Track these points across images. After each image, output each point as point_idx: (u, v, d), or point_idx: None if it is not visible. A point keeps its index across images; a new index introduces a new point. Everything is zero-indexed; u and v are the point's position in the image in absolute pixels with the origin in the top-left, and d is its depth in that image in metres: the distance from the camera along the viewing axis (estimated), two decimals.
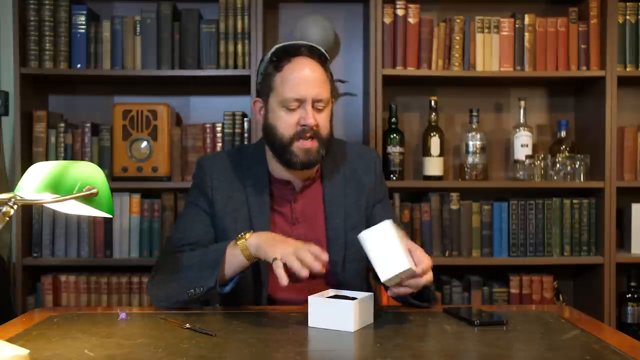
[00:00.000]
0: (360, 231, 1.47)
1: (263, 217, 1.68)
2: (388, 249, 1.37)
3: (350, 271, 1.70)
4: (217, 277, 1.51)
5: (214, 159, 1.76)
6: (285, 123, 1.62)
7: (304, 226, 1.71)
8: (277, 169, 1.70)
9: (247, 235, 1.52)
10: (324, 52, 1.68)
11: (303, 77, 1.61)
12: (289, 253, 1.42)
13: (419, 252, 1.43)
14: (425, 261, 1.42)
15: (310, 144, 1.62)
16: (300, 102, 1.61)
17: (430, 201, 2.63)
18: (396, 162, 2.64)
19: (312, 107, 1.61)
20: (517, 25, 2.63)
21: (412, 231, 2.62)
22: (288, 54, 1.64)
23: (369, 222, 1.74)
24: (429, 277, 1.42)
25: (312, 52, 1.65)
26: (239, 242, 1.52)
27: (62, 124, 2.57)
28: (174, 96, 2.75)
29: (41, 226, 2.55)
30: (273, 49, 1.67)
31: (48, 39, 2.52)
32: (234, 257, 1.53)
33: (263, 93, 1.68)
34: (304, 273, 1.40)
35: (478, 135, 2.67)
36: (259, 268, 1.65)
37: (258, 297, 1.67)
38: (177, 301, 1.55)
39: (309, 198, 1.72)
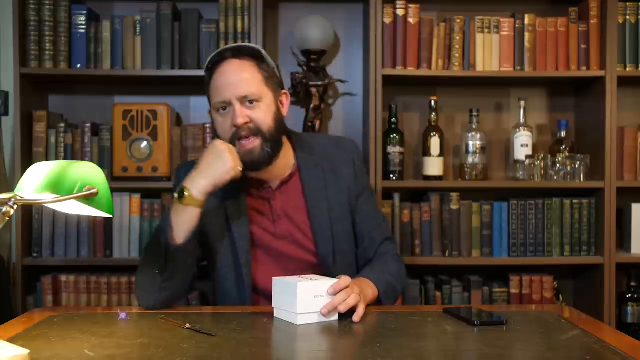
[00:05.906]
0: (346, 223, 1.61)
1: (241, 218, 1.68)
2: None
3: (341, 263, 1.70)
4: (168, 235, 1.52)
5: (188, 167, 1.72)
6: (222, 128, 1.65)
7: (287, 222, 1.71)
8: None
9: (185, 193, 1.52)
10: (258, 49, 1.68)
11: (225, 80, 1.62)
12: None
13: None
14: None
15: (251, 144, 1.61)
16: (228, 104, 1.62)
17: (430, 201, 2.63)
18: (396, 162, 2.64)
19: (243, 105, 1.61)
20: (517, 25, 2.63)
21: (412, 231, 2.62)
22: (216, 61, 1.65)
23: (355, 216, 1.76)
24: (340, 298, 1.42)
25: (239, 53, 1.65)
26: (184, 203, 1.52)
27: (62, 124, 2.57)
28: (174, 96, 2.75)
29: (41, 226, 2.54)
30: (208, 58, 1.69)
31: (48, 39, 2.52)
32: (183, 213, 1.53)
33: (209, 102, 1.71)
34: None
35: (478, 135, 2.67)
36: (241, 266, 1.65)
37: (243, 293, 1.67)
38: (159, 288, 1.53)
39: (288, 194, 1.72)
